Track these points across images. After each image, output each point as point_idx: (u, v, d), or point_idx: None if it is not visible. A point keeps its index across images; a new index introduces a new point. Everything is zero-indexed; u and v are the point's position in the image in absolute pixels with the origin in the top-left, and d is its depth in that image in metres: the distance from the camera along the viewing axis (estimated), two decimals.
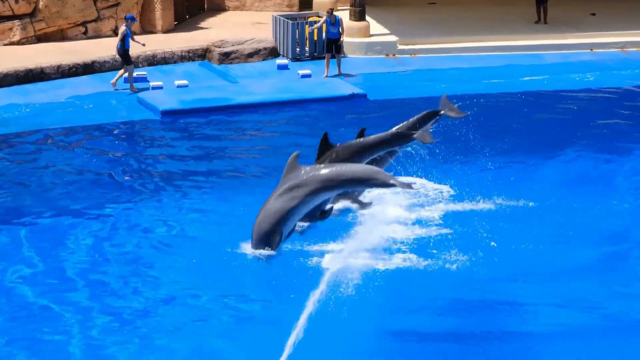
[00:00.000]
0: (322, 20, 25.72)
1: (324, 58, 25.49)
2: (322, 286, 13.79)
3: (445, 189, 17.20)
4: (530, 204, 16.78)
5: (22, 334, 13.18)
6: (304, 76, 25.16)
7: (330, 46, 25.29)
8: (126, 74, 23.74)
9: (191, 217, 16.74)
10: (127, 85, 23.79)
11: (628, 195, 17.69)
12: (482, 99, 23.83)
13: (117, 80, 23.78)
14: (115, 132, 21.57)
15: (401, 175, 16.93)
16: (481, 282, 14.41)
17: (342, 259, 14.54)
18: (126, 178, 18.67)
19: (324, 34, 25.67)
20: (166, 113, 22.37)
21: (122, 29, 23.67)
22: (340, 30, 25.23)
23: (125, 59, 23.64)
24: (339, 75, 25.16)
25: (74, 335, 13.17)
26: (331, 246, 14.98)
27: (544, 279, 14.62)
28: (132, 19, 24.02)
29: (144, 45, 24.18)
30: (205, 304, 13.98)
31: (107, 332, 13.25)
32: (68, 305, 13.86)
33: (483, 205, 16.61)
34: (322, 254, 14.79)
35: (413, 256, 14.85)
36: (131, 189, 18.07)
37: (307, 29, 26.21)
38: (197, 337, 13.15)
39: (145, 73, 24.57)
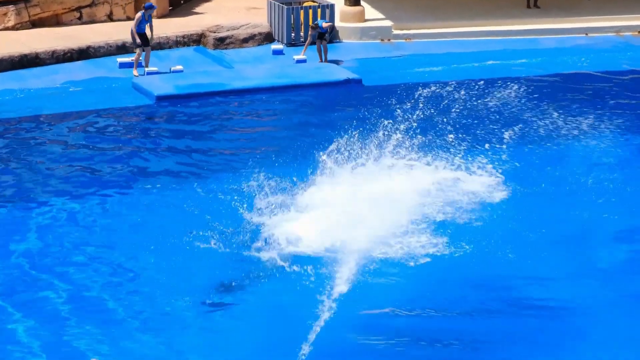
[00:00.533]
0: (309, 36, 25.45)
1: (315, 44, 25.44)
2: (338, 277, 13.74)
3: (449, 177, 17.21)
4: (541, 193, 16.80)
5: None
6: (299, 61, 25.12)
7: (320, 36, 25.21)
8: (140, 58, 23.81)
9: (184, 206, 16.55)
10: (141, 70, 23.82)
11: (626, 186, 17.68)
12: (478, 83, 23.82)
13: (148, 64, 23.80)
14: (110, 117, 21.53)
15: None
16: (491, 277, 14.35)
17: (357, 247, 14.44)
18: (120, 164, 18.63)
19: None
20: (161, 98, 22.35)
21: (138, 15, 23.71)
22: (328, 22, 25.27)
23: (142, 41, 23.61)
24: (321, 62, 25.00)
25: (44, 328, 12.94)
26: (347, 234, 14.86)
27: (550, 277, 14.42)
28: (151, 7, 23.96)
29: (139, 41, 24.13)
30: (214, 299, 13.71)
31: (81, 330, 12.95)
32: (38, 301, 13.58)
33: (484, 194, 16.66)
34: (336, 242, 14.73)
35: (430, 247, 14.83)
36: (125, 175, 18.04)
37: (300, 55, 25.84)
38: (196, 336, 12.95)
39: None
